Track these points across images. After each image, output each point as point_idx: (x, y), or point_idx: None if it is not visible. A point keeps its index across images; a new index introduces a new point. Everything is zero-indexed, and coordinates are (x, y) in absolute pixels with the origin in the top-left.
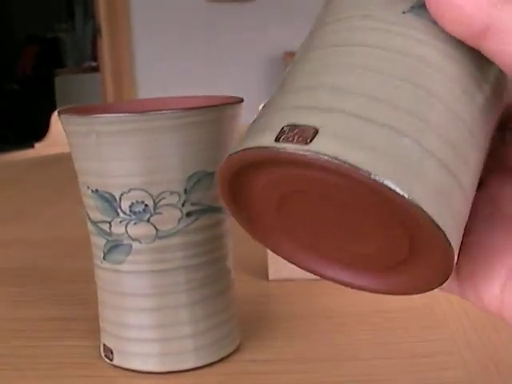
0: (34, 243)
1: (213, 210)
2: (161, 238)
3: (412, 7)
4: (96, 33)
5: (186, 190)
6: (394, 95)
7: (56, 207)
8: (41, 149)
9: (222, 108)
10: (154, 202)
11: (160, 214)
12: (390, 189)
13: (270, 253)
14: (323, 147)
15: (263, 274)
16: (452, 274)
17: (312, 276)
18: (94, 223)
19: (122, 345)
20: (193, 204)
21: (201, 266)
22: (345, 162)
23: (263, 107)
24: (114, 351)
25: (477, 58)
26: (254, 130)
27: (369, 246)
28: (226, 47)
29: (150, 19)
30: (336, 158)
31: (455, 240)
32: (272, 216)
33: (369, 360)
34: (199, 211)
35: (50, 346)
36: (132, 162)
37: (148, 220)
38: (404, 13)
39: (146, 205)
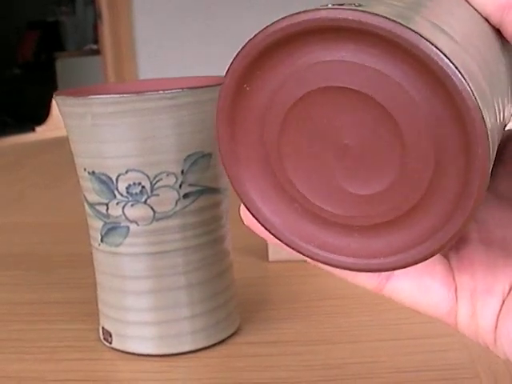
0: (33, 227)
1: (210, 191)
2: (158, 219)
3: None
4: (97, 16)
5: (183, 171)
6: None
7: (56, 191)
8: (42, 133)
9: (218, 88)
10: (150, 183)
11: (157, 195)
12: (432, 46)
13: None
14: (372, 9)
15: (263, 255)
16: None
17: None
18: (91, 205)
19: (121, 328)
20: (190, 185)
21: (199, 248)
22: (393, 20)
23: None
24: (112, 334)
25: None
26: None
27: (379, 181)
28: (226, 30)
29: (152, 2)
30: (386, 14)
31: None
32: (266, 141)
33: (369, 342)
34: (197, 192)
35: (48, 329)
36: (128, 143)
37: (145, 202)
38: None
39: (143, 186)
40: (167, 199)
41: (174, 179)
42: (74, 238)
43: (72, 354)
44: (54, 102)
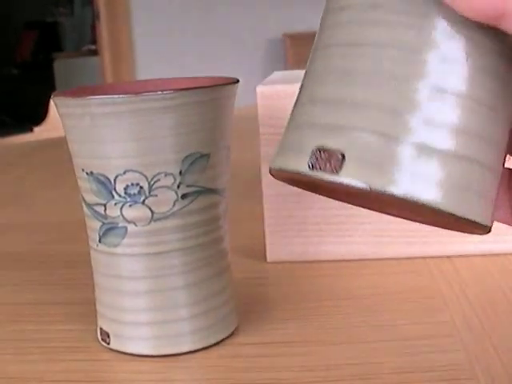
0: (31, 227)
1: (208, 191)
2: (156, 220)
3: None
4: (95, 17)
5: (181, 172)
6: (409, 105)
7: (54, 191)
8: (40, 133)
9: (216, 89)
10: (148, 183)
11: (155, 196)
12: (419, 203)
13: (268, 234)
14: (352, 175)
15: (261, 255)
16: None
17: (310, 258)
18: (89, 206)
19: (119, 328)
20: (188, 186)
21: (197, 248)
22: (371, 188)
23: (293, 112)
24: (110, 335)
25: (494, 33)
26: (288, 147)
27: (412, 220)
28: (226, 29)
29: (149, 2)
30: (365, 184)
31: (487, 212)
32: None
33: (367, 343)
34: (195, 193)
35: (46, 330)
36: (126, 144)
37: (143, 202)
38: None
39: (141, 187)
40: (165, 200)
41: (172, 180)
42: (73, 238)
43: (70, 355)
44: (52, 103)
